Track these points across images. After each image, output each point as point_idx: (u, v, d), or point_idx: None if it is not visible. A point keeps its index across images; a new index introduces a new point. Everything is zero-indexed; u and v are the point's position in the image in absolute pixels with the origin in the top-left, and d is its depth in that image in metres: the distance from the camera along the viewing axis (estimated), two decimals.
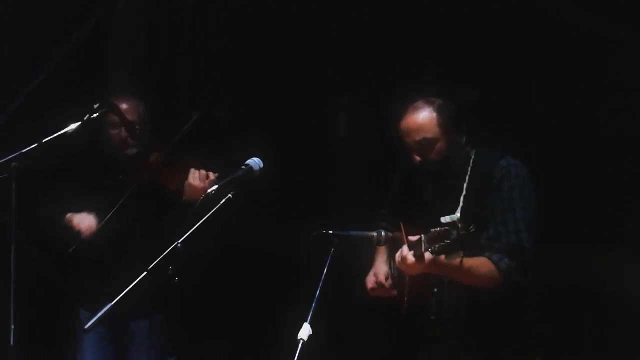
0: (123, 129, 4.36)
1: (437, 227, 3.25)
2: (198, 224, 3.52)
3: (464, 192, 3.56)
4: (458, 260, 3.34)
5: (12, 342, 3.72)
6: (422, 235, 3.33)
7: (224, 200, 3.62)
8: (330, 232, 3.59)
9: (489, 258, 3.51)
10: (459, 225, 3.19)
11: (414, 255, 3.37)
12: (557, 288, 4.25)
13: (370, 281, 3.90)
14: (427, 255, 3.32)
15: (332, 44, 5.09)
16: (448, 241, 3.21)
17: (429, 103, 3.67)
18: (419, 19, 4.88)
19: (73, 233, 4.29)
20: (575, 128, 4.57)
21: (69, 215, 4.33)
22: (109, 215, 4.26)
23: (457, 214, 3.24)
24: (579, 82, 4.58)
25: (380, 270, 3.89)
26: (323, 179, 5.11)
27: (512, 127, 4.49)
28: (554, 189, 4.25)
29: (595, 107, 4.55)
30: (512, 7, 4.64)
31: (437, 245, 3.25)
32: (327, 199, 5.05)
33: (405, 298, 3.74)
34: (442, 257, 3.26)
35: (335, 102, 5.24)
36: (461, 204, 3.49)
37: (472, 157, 3.67)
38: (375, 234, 3.72)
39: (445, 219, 3.22)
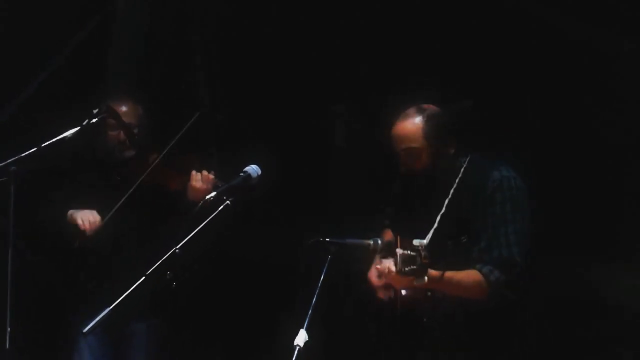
0: (121, 132, 4.37)
1: (407, 250, 3.30)
2: (196, 230, 3.55)
3: (449, 197, 3.56)
4: (449, 273, 3.42)
5: (7, 346, 3.73)
6: (397, 253, 3.35)
7: (222, 207, 3.64)
8: (327, 239, 3.60)
9: (479, 270, 3.54)
10: (422, 254, 3.27)
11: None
12: (551, 299, 4.26)
13: (372, 274, 3.87)
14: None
15: (331, 51, 5.10)
16: (414, 267, 3.29)
17: (419, 112, 3.67)
18: (418, 26, 4.89)
19: (76, 229, 4.27)
20: (570, 138, 4.57)
21: (70, 212, 4.31)
22: (108, 216, 4.25)
23: (425, 241, 3.30)
24: (573, 93, 4.59)
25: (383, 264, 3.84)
26: (321, 187, 5.12)
27: (507, 138, 4.49)
28: (549, 200, 4.26)
29: (592, 118, 4.55)
30: (508, 15, 4.66)
31: (406, 268, 3.31)
32: (325, 207, 5.06)
33: (398, 301, 3.75)
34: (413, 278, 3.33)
35: (334, 110, 5.25)
36: (443, 210, 3.50)
37: (465, 164, 3.66)
38: (371, 242, 3.74)
39: (415, 242, 3.30)
